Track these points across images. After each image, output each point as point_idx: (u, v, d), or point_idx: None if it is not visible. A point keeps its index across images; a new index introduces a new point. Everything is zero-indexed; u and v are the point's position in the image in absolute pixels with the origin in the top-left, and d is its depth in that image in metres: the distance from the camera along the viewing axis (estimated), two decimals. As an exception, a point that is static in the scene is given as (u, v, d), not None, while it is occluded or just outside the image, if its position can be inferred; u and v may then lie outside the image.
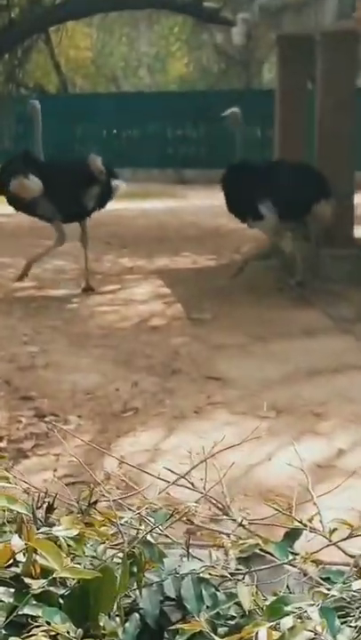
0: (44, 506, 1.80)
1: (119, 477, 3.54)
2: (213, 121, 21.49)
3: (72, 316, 8.63)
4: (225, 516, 2.16)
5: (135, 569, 1.58)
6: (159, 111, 22.75)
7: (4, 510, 1.61)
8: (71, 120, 22.79)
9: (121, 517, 1.79)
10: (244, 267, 9.68)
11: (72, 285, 10.03)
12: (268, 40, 24.11)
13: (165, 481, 2.17)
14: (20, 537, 1.45)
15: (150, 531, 1.71)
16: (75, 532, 1.52)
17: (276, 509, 2.13)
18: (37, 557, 1.44)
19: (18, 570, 1.46)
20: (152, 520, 1.82)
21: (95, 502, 1.87)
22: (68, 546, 1.53)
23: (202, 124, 22.67)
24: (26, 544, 1.42)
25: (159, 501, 2.06)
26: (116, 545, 1.67)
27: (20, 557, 1.47)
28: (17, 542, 1.42)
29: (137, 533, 1.71)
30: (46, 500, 1.82)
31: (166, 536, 1.80)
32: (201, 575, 1.64)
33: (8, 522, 1.64)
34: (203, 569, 1.67)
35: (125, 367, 6.87)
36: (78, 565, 1.50)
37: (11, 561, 1.48)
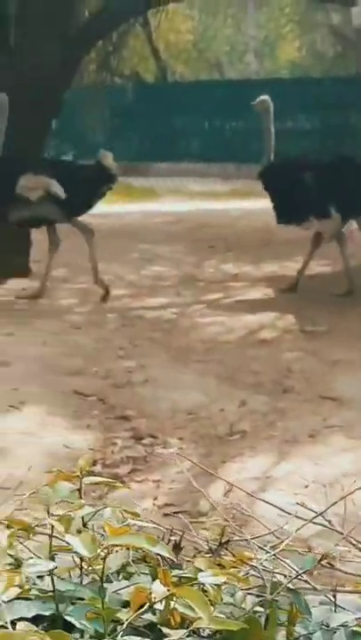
0: (170, 544, 1.78)
1: (229, 508, 3.51)
2: (330, 110, 21.42)
3: (171, 327, 8.65)
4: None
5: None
6: (268, 100, 22.68)
7: (128, 549, 1.60)
8: (170, 111, 22.86)
9: (256, 559, 1.76)
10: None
11: (172, 293, 10.07)
12: (390, 21, 23.82)
13: (294, 515, 2.13)
14: (160, 582, 1.44)
15: (297, 576, 1.68)
16: (222, 579, 1.50)
17: None
18: (176, 604, 1.42)
19: (153, 617, 1.45)
20: (289, 562, 1.78)
21: (227, 542, 1.85)
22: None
23: (316, 114, 22.54)
24: (168, 590, 1.40)
25: (270, 536, 2.02)
26: (248, 589, 1.65)
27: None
28: (158, 589, 1.41)
29: (272, 577, 1.68)
30: (172, 537, 1.81)
31: (306, 581, 1.76)
32: (354, 628, 1.60)
33: (133, 561, 1.63)
34: (355, 621, 1.63)
35: (231, 385, 6.84)
36: (221, 615, 1.47)
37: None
